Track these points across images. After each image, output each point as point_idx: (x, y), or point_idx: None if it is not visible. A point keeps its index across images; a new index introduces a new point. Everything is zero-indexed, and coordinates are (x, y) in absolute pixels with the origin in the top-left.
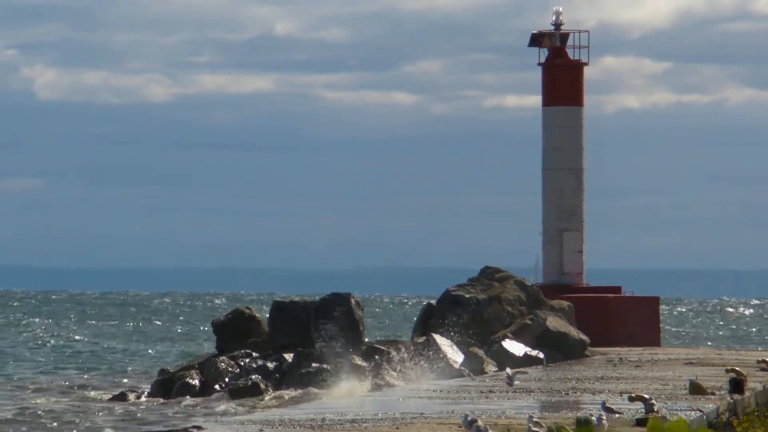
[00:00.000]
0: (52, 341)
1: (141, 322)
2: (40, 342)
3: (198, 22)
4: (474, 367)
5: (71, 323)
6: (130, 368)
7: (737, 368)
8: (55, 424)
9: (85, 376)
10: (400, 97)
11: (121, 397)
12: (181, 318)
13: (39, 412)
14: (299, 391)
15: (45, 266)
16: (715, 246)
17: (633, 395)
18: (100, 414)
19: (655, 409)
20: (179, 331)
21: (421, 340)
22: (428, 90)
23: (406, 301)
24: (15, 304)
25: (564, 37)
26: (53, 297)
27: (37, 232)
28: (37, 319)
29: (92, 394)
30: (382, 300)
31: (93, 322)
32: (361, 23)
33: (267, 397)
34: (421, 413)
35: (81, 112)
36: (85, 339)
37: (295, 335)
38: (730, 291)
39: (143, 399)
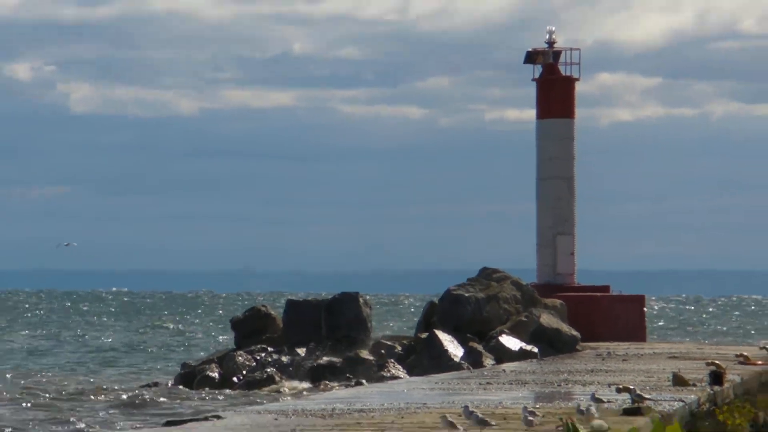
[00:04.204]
0: None
1: None
2: None
3: (223, 41)
4: (473, 360)
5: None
6: None
7: (717, 362)
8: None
9: None
10: (411, 111)
11: (147, 387)
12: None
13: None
14: (312, 383)
15: (76, 268)
16: (699, 248)
17: (620, 387)
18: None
19: (645, 396)
20: None
21: (424, 336)
22: (436, 104)
23: (406, 299)
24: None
25: (556, 54)
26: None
27: (72, 236)
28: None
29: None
30: (390, 299)
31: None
32: (375, 42)
33: (282, 388)
34: (424, 403)
35: (113, 124)
36: None
37: (308, 331)
38: (712, 291)
39: (167, 389)
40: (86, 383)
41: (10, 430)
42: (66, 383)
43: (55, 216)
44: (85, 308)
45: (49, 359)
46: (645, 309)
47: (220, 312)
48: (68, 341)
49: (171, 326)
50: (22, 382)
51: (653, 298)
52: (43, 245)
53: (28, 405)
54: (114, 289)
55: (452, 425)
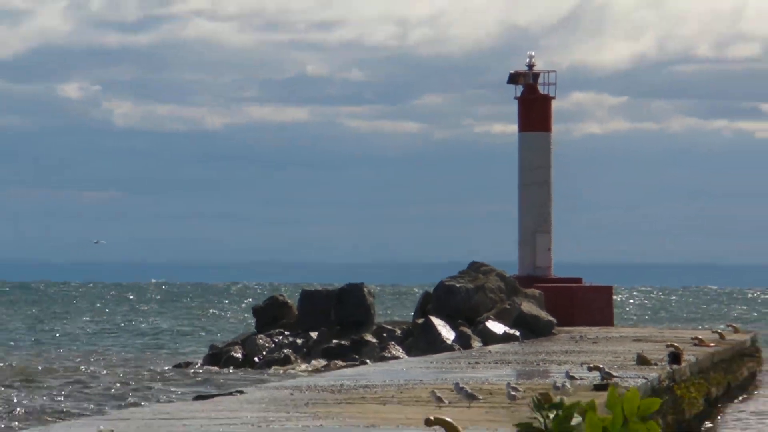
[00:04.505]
0: None
1: None
2: None
3: (246, 64)
4: (463, 343)
5: None
6: None
7: (675, 344)
8: (132, 383)
9: None
10: (409, 126)
11: (178, 367)
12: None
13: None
14: (323, 363)
15: (121, 261)
16: (662, 244)
17: (591, 365)
18: (168, 376)
19: (613, 374)
20: None
21: (420, 321)
22: (431, 120)
23: (406, 290)
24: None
25: (536, 76)
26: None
27: (114, 234)
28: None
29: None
30: (391, 289)
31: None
32: (378, 65)
33: (297, 367)
34: (420, 380)
35: (150, 137)
36: None
37: (319, 317)
38: (672, 282)
39: (197, 368)
40: (130, 362)
41: (63, 406)
42: (114, 362)
43: (102, 216)
44: (131, 297)
45: (100, 342)
46: (614, 297)
47: (250, 299)
48: (118, 326)
49: (210, 311)
50: (78, 359)
51: (624, 288)
52: (90, 241)
53: (82, 379)
54: (153, 280)
55: (440, 399)
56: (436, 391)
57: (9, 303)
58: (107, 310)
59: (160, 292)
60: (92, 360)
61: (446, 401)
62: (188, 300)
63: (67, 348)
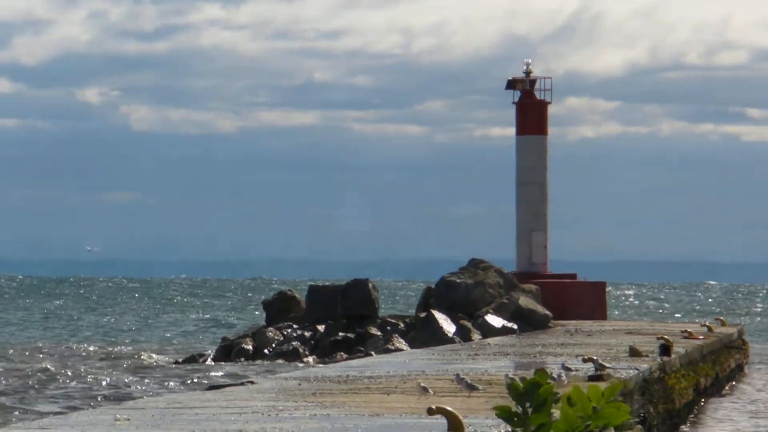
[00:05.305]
0: None
1: None
2: None
3: (258, 71)
4: (463, 335)
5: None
6: None
7: (666, 336)
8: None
9: None
10: (412, 129)
11: (192, 359)
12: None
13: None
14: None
15: (140, 258)
16: (648, 240)
17: (585, 357)
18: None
19: (606, 366)
20: None
21: (422, 315)
22: (433, 123)
23: (411, 284)
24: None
25: (532, 82)
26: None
27: (132, 233)
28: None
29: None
30: (395, 284)
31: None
32: (383, 72)
33: (304, 359)
34: (423, 371)
35: (166, 140)
36: None
37: (326, 311)
38: (661, 277)
39: (210, 359)
40: (149, 353)
41: (77, 396)
42: (138, 353)
43: (118, 216)
44: (154, 291)
45: (128, 334)
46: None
47: (273, 294)
48: (143, 318)
49: (225, 305)
50: (109, 349)
51: (627, 286)
52: (110, 240)
53: (108, 371)
54: (173, 276)
55: (425, 390)
56: (421, 382)
57: (58, 296)
58: (133, 303)
59: (181, 287)
60: (115, 350)
61: (431, 392)
62: (206, 294)
63: (96, 338)
